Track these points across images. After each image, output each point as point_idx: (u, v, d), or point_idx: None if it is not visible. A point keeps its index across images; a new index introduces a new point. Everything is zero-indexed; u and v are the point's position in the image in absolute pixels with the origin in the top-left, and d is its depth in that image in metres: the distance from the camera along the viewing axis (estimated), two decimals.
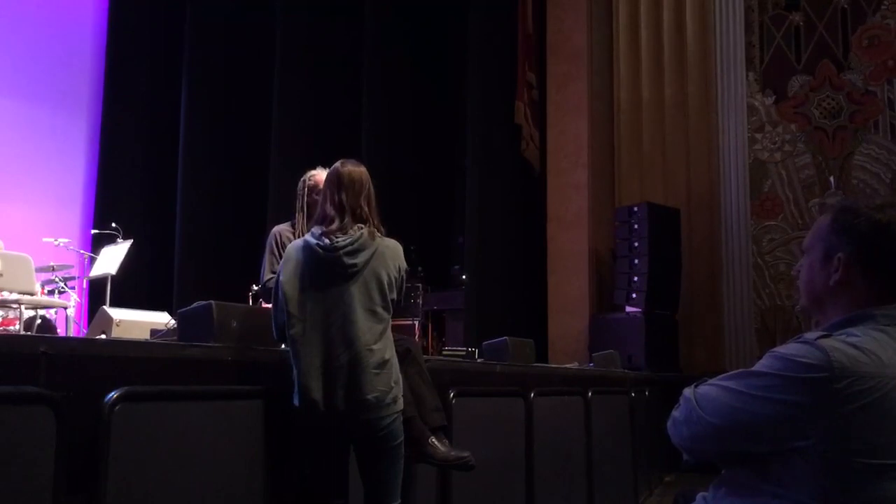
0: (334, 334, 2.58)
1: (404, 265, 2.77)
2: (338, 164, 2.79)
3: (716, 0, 8.98)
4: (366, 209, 2.70)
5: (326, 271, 2.62)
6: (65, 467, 1.95)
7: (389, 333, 2.70)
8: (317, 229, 2.69)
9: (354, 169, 2.76)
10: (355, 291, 2.60)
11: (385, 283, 2.65)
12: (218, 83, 10.29)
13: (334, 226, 2.65)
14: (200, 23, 10.42)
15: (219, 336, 2.67)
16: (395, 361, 2.68)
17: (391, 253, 2.70)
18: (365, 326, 2.59)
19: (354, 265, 2.61)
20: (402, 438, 2.68)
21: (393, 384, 2.63)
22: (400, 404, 2.65)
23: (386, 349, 2.64)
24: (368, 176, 2.79)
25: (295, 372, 2.61)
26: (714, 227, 8.75)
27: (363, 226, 2.66)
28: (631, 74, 9.27)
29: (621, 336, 7.94)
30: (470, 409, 3.69)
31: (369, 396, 2.55)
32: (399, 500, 2.70)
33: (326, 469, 2.71)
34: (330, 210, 2.69)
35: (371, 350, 2.58)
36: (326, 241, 2.62)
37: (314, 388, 2.56)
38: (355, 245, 2.62)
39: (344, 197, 2.68)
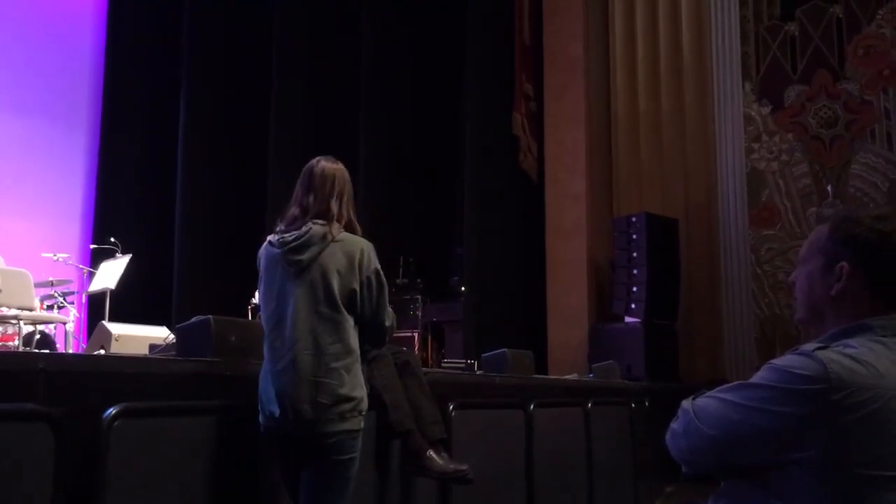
0: (279, 335, 2.46)
1: (371, 264, 2.54)
2: (312, 161, 2.66)
3: (711, 11, 9.03)
4: (333, 207, 2.54)
5: (278, 269, 2.52)
6: (64, 484, 1.94)
7: (348, 338, 2.48)
8: (279, 227, 2.59)
9: (328, 165, 2.62)
10: (300, 291, 2.45)
11: (334, 282, 2.44)
12: (216, 97, 10.33)
13: (294, 224, 2.54)
14: (198, 37, 10.46)
15: (217, 350, 2.68)
16: (353, 372, 2.46)
17: (347, 251, 2.49)
18: (306, 329, 2.42)
19: (299, 261, 2.45)
20: (349, 457, 2.43)
21: (341, 395, 2.39)
22: (352, 423, 2.42)
23: (335, 355, 2.43)
24: (344, 173, 2.65)
25: None
26: (712, 236, 8.76)
27: (321, 221, 2.51)
28: (628, 85, 9.30)
29: (621, 346, 7.93)
30: (470, 421, 3.69)
31: (304, 405, 2.36)
32: None
33: (283, 481, 2.59)
34: (295, 209, 2.58)
35: (311, 355, 2.40)
36: (278, 238, 2.52)
37: (263, 391, 2.48)
38: (301, 240, 2.47)
39: (311, 196, 2.56)
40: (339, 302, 2.45)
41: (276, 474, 2.65)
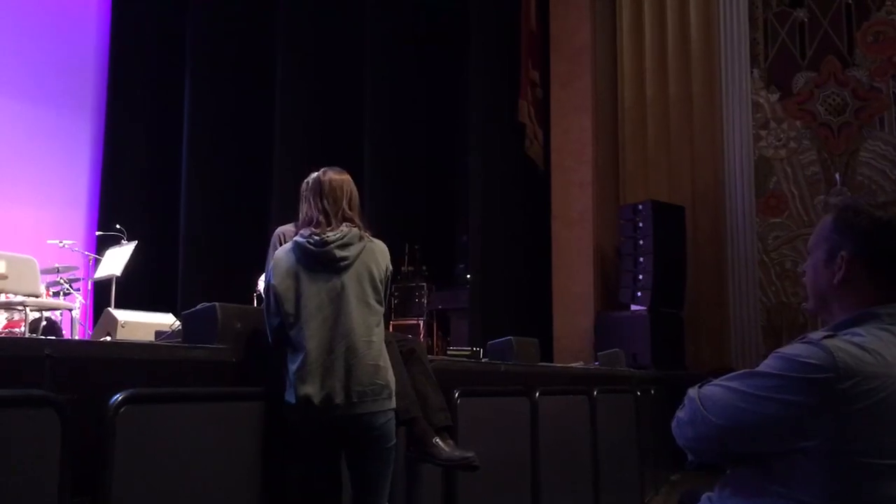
0: (331, 327, 2.61)
1: (390, 267, 2.84)
2: (319, 172, 2.84)
3: None
4: (349, 212, 2.77)
5: (319, 266, 2.67)
6: (70, 470, 1.94)
7: (383, 327, 2.75)
8: (305, 231, 2.74)
9: (336, 177, 2.81)
10: (349, 284, 2.66)
11: (376, 277, 2.72)
12: (222, 84, 10.30)
13: (322, 227, 2.72)
14: (203, 24, 10.43)
15: (223, 337, 2.68)
16: (387, 356, 2.71)
17: (380, 250, 2.79)
18: (360, 318, 2.64)
19: (346, 258, 2.66)
20: (394, 442, 2.68)
21: (389, 378, 2.66)
22: (393, 401, 2.67)
23: (380, 342, 2.69)
24: (351, 182, 2.85)
25: (291, 368, 2.59)
26: (719, 224, 8.73)
27: (351, 224, 2.74)
28: (635, 72, 9.25)
29: (626, 334, 7.93)
30: (475, 408, 3.68)
31: (366, 388, 2.57)
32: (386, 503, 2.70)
33: (320, 470, 2.69)
34: (315, 213, 2.76)
35: (368, 342, 2.62)
36: (317, 237, 2.68)
37: (310, 381, 2.54)
38: (345, 239, 2.68)
39: (327, 202, 2.75)
40: (381, 294, 2.74)
41: (291, 462, 2.68)
